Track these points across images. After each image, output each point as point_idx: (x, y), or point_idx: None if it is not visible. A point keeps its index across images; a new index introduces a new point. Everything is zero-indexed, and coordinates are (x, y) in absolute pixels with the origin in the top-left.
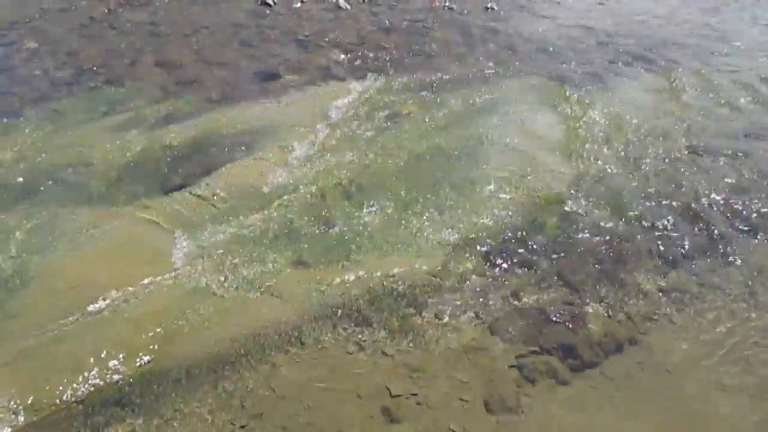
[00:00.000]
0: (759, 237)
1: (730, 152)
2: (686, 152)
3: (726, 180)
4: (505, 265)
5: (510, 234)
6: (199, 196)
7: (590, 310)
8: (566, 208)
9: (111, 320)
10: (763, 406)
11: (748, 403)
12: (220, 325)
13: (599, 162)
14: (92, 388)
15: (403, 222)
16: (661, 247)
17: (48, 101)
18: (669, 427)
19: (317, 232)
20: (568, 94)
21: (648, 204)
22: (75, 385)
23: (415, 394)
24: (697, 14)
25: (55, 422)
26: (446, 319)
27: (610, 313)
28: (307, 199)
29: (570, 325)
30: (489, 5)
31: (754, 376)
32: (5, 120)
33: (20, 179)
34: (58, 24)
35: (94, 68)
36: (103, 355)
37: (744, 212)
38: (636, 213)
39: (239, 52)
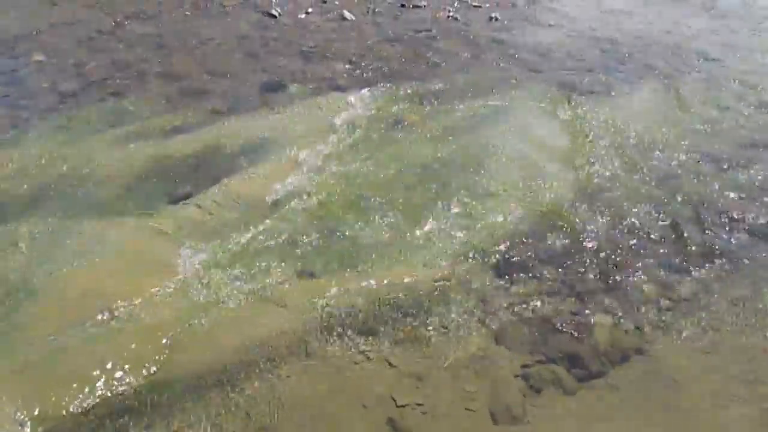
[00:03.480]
0: (765, 245)
1: (735, 160)
2: (691, 160)
3: (731, 188)
4: (510, 274)
5: (515, 243)
6: (204, 206)
7: (596, 320)
8: (571, 217)
9: (117, 330)
10: None
11: (757, 413)
12: (226, 335)
13: (604, 170)
14: (99, 399)
15: (408, 231)
16: (668, 256)
17: (55, 113)
18: None
19: (322, 241)
20: (572, 103)
21: (654, 212)
22: (81, 396)
23: (421, 404)
24: (702, 23)
25: None
26: (452, 328)
27: (617, 323)
28: (312, 209)
29: (576, 335)
30: (493, 15)
31: (763, 386)
32: (13, 132)
33: (27, 190)
34: (65, 37)
35: (101, 80)
36: (109, 366)
37: (750, 220)
38: (641, 221)
39: (244, 63)
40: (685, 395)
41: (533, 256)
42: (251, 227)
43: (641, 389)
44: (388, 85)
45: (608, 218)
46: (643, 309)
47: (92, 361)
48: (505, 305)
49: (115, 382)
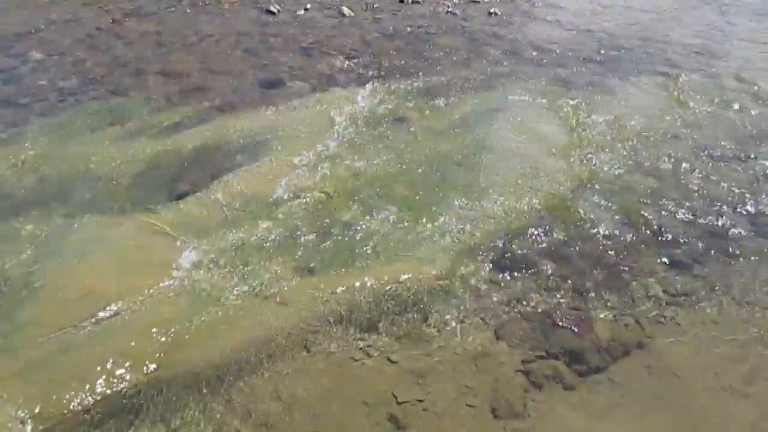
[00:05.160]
0: (765, 238)
1: (735, 154)
2: (691, 155)
3: (732, 182)
4: (510, 270)
5: (515, 238)
6: (204, 203)
7: (597, 315)
8: (571, 212)
9: (118, 329)
10: None
11: (758, 407)
12: (226, 332)
13: (604, 166)
14: (99, 397)
15: (408, 227)
16: (668, 251)
17: (54, 111)
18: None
19: (323, 238)
20: (572, 97)
21: (653, 207)
22: (82, 394)
23: (422, 401)
24: (701, 16)
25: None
26: (452, 324)
27: (617, 318)
28: (313, 206)
29: (576, 330)
30: (492, 11)
31: (763, 380)
32: (12, 130)
33: (27, 189)
34: (64, 35)
35: (100, 78)
36: (110, 364)
37: (751, 214)
38: (641, 216)
39: (244, 60)
40: (685, 390)
41: (533, 251)
42: (251, 224)
43: (642, 384)
44: (387, 81)
45: (608, 212)
46: (643, 304)
47: (93, 360)
48: (505, 301)
49: (116, 381)
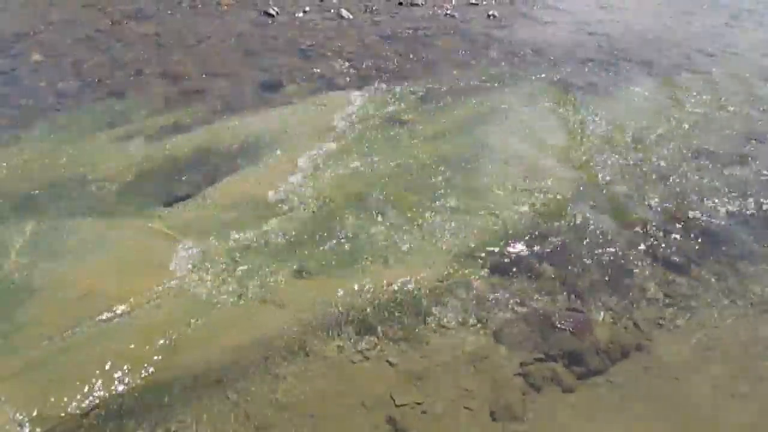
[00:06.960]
0: (764, 241)
1: (732, 156)
2: (689, 157)
3: (729, 184)
4: (509, 273)
5: (514, 241)
6: (203, 206)
7: (595, 317)
8: (570, 215)
9: (116, 331)
10: None
11: (756, 409)
12: (224, 335)
13: (603, 168)
14: (98, 399)
15: (407, 230)
16: (666, 253)
17: (53, 113)
18: None
19: (321, 241)
20: (570, 100)
21: (652, 209)
22: (81, 396)
23: (420, 403)
24: (699, 19)
25: None
26: (451, 327)
27: (616, 320)
28: (311, 209)
29: (575, 332)
30: (491, 13)
31: (762, 382)
32: (11, 132)
33: (26, 190)
34: (63, 36)
35: (99, 80)
36: (108, 366)
37: (748, 216)
38: (640, 219)
39: (243, 62)
40: (684, 391)
41: (532, 253)
42: (250, 227)
43: (641, 386)
44: (386, 83)
45: (606, 215)
46: (642, 305)
47: (92, 362)
48: (504, 303)
49: (115, 383)
